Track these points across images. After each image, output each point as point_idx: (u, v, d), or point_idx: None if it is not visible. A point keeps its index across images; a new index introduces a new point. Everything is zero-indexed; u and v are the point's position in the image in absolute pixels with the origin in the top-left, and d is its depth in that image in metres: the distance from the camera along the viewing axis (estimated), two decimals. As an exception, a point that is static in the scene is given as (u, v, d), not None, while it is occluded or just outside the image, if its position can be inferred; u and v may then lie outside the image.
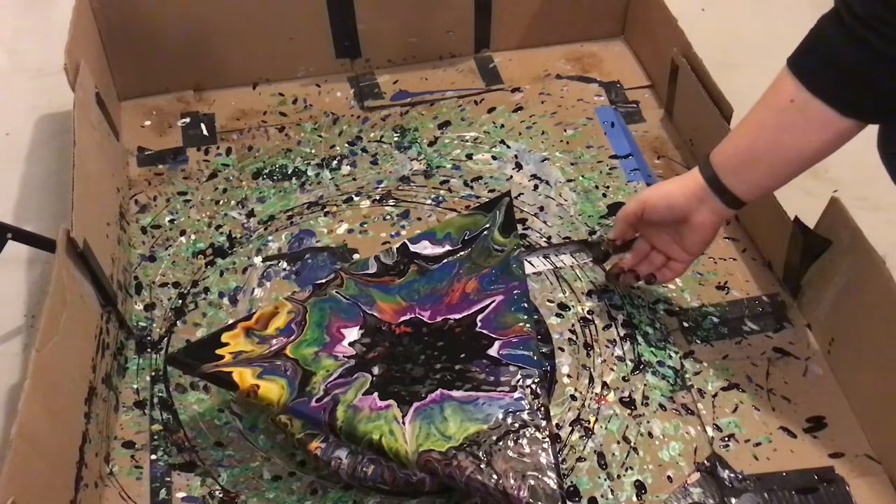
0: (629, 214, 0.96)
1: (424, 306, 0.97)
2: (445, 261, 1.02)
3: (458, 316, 0.96)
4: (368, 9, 1.33)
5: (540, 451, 0.82)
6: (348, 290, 0.98)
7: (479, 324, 0.95)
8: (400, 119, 1.31)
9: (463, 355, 0.91)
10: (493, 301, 0.97)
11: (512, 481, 0.80)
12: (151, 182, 1.22)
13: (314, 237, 1.14)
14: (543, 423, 0.85)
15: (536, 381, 0.89)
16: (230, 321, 1.03)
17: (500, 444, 0.83)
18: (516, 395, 0.87)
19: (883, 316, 0.88)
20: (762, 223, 1.08)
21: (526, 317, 0.95)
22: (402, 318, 0.96)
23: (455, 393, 0.88)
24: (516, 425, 0.84)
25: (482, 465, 0.81)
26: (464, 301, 0.97)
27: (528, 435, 0.84)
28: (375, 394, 0.87)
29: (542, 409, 0.86)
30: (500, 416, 0.85)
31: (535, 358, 0.91)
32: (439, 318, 0.96)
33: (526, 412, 0.86)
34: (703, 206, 0.89)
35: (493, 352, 0.92)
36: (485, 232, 1.04)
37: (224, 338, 0.92)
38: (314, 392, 0.87)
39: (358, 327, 0.94)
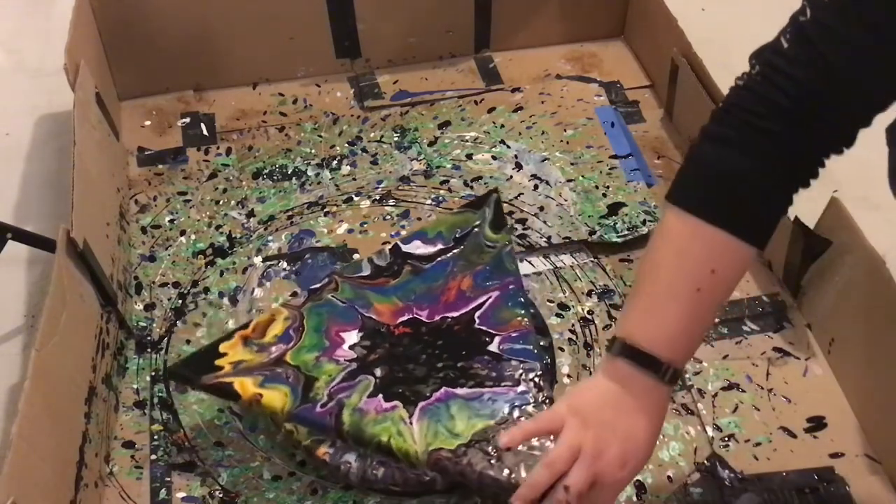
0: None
1: (422, 306, 0.97)
2: (439, 259, 1.01)
3: (455, 314, 0.96)
4: (368, 9, 1.33)
5: (548, 443, 0.82)
6: (344, 294, 0.98)
7: (477, 321, 0.94)
8: (400, 119, 1.31)
9: (464, 352, 0.91)
10: (490, 297, 0.96)
11: (524, 474, 0.80)
12: (151, 182, 1.22)
13: (314, 237, 1.14)
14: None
15: (539, 374, 0.89)
16: (230, 322, 1.03)
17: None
18: (520, 388, 0.87)
19: (883, 316, 0.88)
20: (762, 223, 1.08)
21: (523, 311, 0.95)
22: (401, 319, 0.95)
23: (459, 390, 0.87)
24: (523, 419, 0.84)
25: (493, 461, 0.80)
26: (460, 299, 0.97)
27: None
28: (380, 396, 0.87)
29: (548, 400, 0.86)
30: (507, 411, 0.85)
31: (536, 351, 0.91)
32: (437, 317, 0.95)
33: (532, 405, 0.86)
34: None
35: (493, 347, 0.91)
36: (475, 229, 1.04)
37: (222, 348, 0.92)
38: (318, 398, 0.87)
39: (357, 330, 0.94)
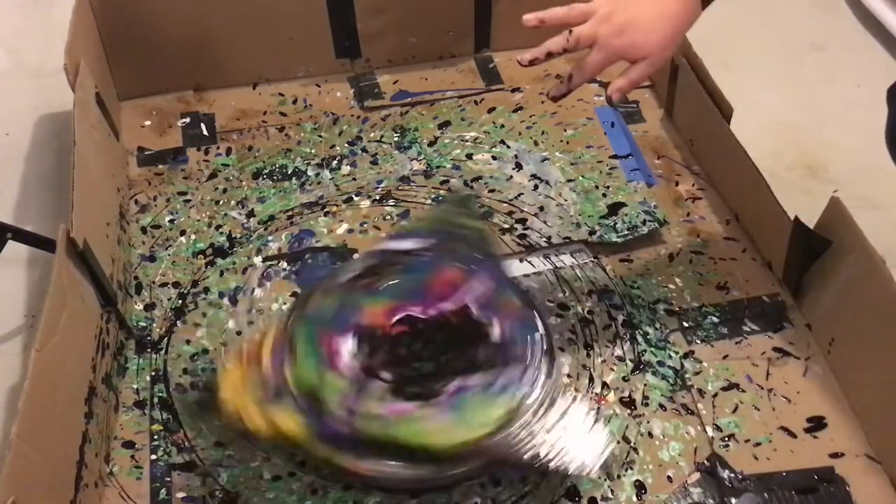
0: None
1: (414, 302, 0.95)
2: (422, 254, 1.00)
3: (449, 304, 0.94)
4: (368, 9, 1.33)
5: (571, 412, 0.82)
6: (330, 302, 0.94)
7: (472, 309, 0.93)
8: (400, 119, 1.31)
9: (466, 342, 0.90)
10: (479, 284, 0.95)
11: (556, 449, 0.80)
12: (151, 182, 1.22)
13: (314, 237, 1.14)
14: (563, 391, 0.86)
15: (545, 349, 0.88)
16: (230, 322, 1.03)
17: (533, 417, 0.83)
18: (531, 368, 0.87)
19: (883, 316, 0.88)
20: (762, 223, 1.08)
21: (514, 294, 0.95)
22: (395, 318, 0.93)
23: (472, 380, 0.87)
24: (541, 396, 0.84)
25: (523, 443, 0.80)
26: (451, 290, 0.95)
27: (556, 402, 0.84)
28: (394, 399, 0.85)
29: (558, 376, 0.87)
30: (524, 392, 0.85)
31: (537, 331, 0.91)
32: (432, 310, 0.94)
33: (545, 375, 0.86)
34: None
35: (495, 331, 0.90)
36: (455, 221, 1.02)
37: (220, 382, 0.89)
38: (331, 413, 0.84)
39: (351, 337, 0.90)
